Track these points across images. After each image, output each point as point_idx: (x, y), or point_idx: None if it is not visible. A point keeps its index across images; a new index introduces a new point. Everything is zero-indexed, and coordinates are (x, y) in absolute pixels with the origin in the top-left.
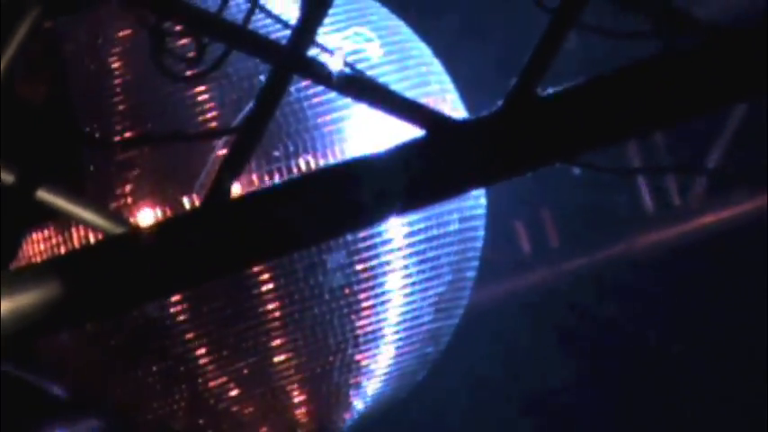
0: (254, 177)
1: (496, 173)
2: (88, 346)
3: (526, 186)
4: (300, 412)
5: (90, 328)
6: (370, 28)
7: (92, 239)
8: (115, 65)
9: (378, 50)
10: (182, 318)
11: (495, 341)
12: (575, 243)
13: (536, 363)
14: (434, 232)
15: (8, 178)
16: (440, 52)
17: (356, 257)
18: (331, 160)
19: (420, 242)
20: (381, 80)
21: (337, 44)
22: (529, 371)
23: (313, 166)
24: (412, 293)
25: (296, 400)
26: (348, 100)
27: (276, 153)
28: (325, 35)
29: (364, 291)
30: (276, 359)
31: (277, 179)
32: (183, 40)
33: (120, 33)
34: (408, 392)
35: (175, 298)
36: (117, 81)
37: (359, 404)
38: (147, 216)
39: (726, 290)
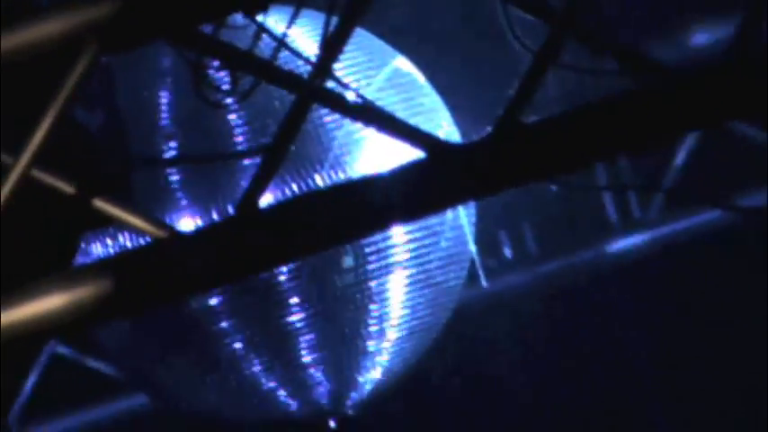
0: (279, 191)
1: (485, 189)
2: (138, 335)
3: (510, 200)
4: (318, 391)
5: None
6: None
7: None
8: (160, 94)
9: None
10: (219, 310)
11: (480, 338)
12: (550, 250)
13: (515, 359)
14: (430, 240)
15: (69, 189)
16: (439, 86)
17: (364, 259)
18: (344, 176)
19: (419, 247)
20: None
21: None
22: (511, 366)
23: (329, 181)
24: (411, 290)
25: (315, 378)
26: (359, 125)
27: (298, 170)
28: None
29: (371, 288)
30: (299, 342)
31: (299, 192)
32: (220, 73)
33: (165, 67)
34: (405, 377)
35: (213, 295)
36: (162, 108)
37: (367, 384)
38: (187, 223)
39: (681, 294)
